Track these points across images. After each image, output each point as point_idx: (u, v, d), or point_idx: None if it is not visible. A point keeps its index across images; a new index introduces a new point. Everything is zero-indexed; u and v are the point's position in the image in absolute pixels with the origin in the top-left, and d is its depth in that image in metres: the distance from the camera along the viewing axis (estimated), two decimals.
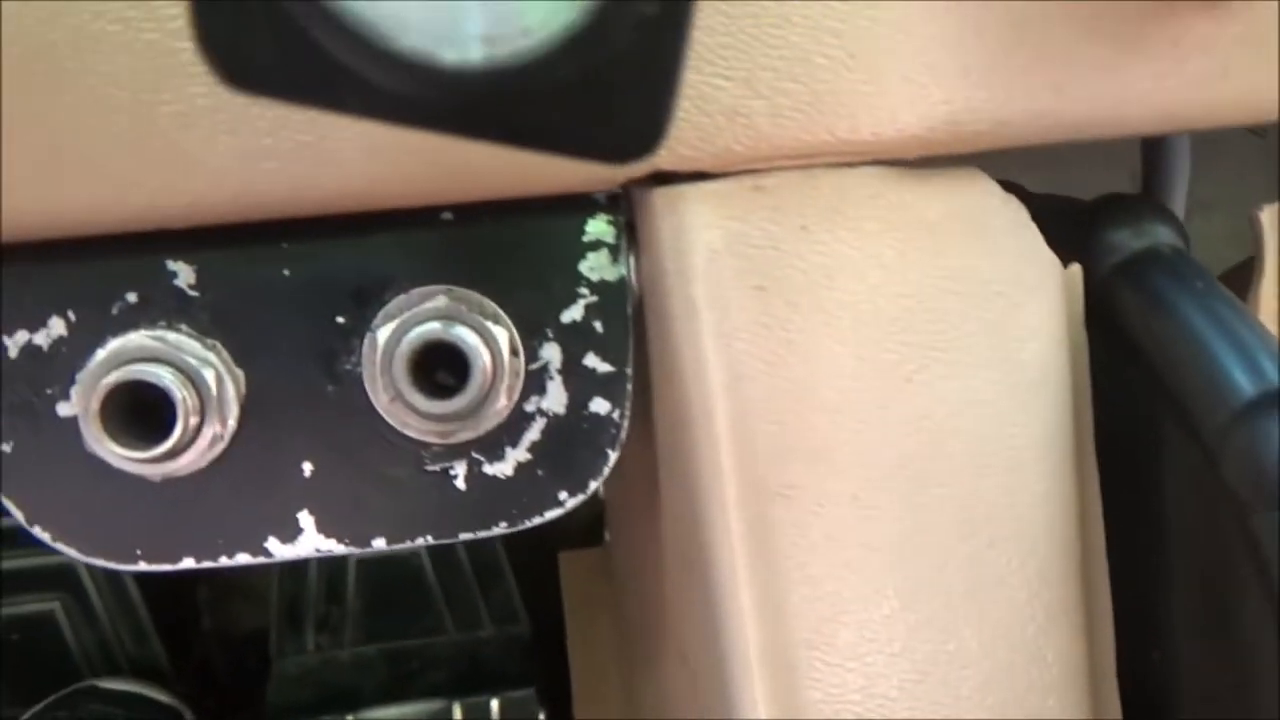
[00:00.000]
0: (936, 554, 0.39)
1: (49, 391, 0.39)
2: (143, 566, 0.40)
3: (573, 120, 0.21)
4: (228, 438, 0.40)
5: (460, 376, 0.42)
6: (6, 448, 0.39)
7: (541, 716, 0.90)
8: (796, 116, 0.35)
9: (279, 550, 0.41)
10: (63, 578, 0.93)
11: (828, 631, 0.39)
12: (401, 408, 0.40)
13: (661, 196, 0.37)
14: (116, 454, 0.37)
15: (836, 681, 0.39)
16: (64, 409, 0.39)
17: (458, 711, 0.89)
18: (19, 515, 0.40)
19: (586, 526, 1.04)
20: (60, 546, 0.40)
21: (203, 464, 0.40)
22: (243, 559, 0.41)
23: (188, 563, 0.41)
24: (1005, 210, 0.37)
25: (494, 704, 0.89)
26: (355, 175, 0.35)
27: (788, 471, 0.38)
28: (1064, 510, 0.39)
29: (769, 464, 0.38)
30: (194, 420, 0.38)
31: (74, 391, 0.39)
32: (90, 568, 0.94)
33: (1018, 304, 0.38)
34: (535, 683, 0.91)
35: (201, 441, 0.39)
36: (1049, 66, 0.34)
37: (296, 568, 0.98)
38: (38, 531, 0.40)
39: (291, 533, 0.41)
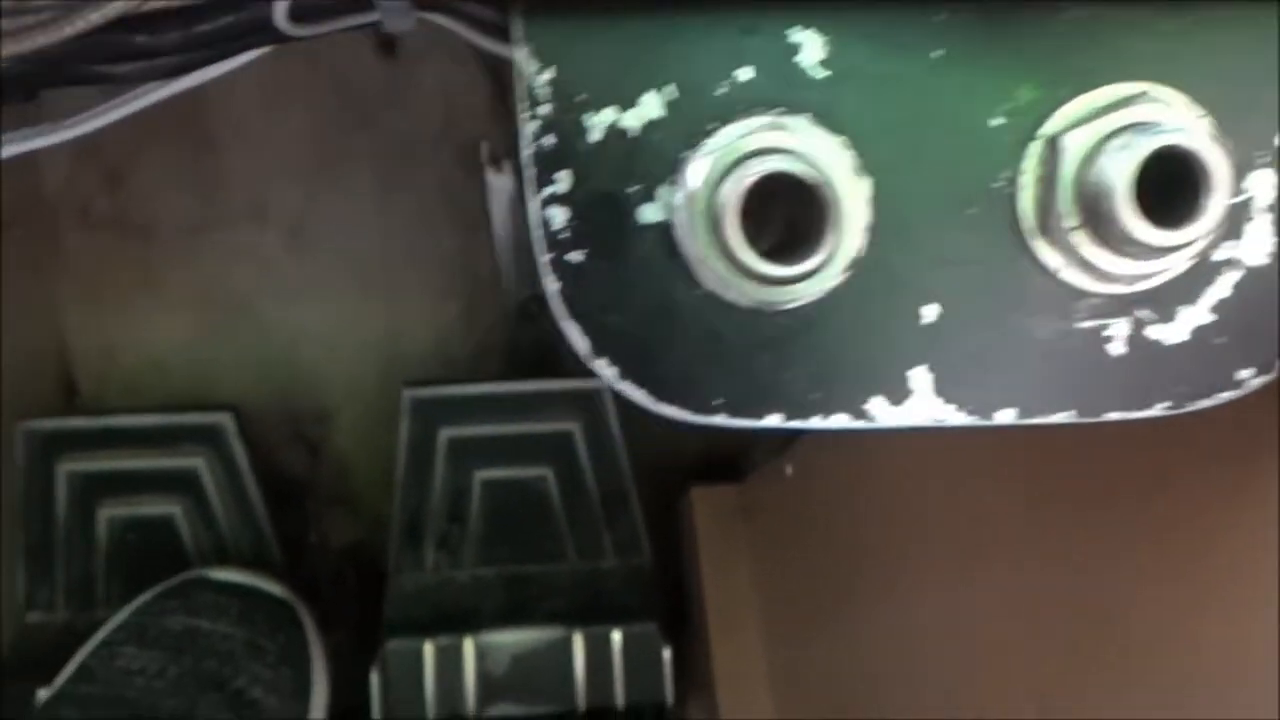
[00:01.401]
0: None
1: (633, 189, 0.31)
2: (720, 420, 0.32)
3: None
4: (850, 264, 0.31)
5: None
6: (577, 256, 0.31)
7: (667, 651, 0.85)
8: None
9: (882, 414, 0.32)
10: (185, 482, 0.91)
11: None
12: (1086, 239, 0.30)
13: None
14: (755, 269, 0.29)
15: None
16: (649, 212, 0.31)
17: (579, 640, 0.85)
18: (580, 344, 0.31)
19: (704, 462, 0.97)
20: (625, 387, 0.32)
21: (815, 296, 0.31)
22: (839, 421, 0.32)
23: (772, 420, 0.32)
24: None
25: (616, 635, 0.85)
26: None
27: None
28: None
29: None
30: (831, 236, 0.30)
31: (663, 191, 0.31)
32: (214, 474, 0.90)
33: None
34: (658, 617, 0.87)
35: (835, 265, 0.30)
36: None
37: (421, 483, 0.92)
38: (601, 366, 0.31)
39: (900, 394, 0.32)
